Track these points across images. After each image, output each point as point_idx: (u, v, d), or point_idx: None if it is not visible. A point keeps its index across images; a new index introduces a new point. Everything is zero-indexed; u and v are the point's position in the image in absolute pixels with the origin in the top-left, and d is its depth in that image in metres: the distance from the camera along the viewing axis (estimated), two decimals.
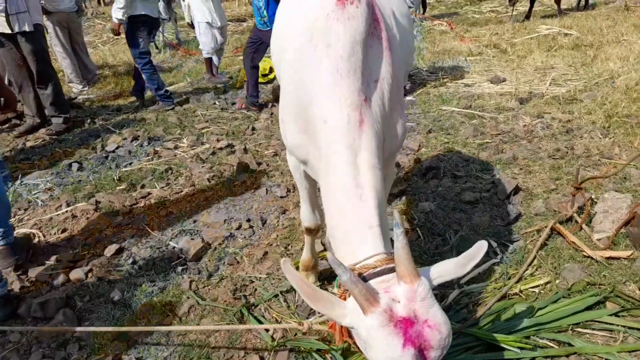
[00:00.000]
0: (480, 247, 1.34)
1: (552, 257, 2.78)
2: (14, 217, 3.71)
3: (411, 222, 3.23)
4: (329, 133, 1.49)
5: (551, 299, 2.41)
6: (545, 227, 2.96)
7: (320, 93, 1.53)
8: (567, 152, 4.02)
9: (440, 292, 2.58)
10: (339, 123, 1.47)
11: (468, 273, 2.41)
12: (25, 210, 3.81)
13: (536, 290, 2.55)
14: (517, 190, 3.50)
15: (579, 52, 7.13)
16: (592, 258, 2.70)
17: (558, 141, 4.27)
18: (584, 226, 2.96)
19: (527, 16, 10.09)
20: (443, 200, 3.48)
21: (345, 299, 1.35)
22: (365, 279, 1.29)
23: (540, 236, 2.91)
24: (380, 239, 1.37)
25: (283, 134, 1.90)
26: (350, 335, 1.36)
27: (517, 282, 2.59)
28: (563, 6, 10.07)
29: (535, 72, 6.50)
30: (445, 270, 1.32)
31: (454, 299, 2.50)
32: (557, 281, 2.59)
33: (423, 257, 2.88)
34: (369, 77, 1.54)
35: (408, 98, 5.83)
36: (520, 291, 2.54)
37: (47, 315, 2.60)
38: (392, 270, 1.30)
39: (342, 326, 1.35)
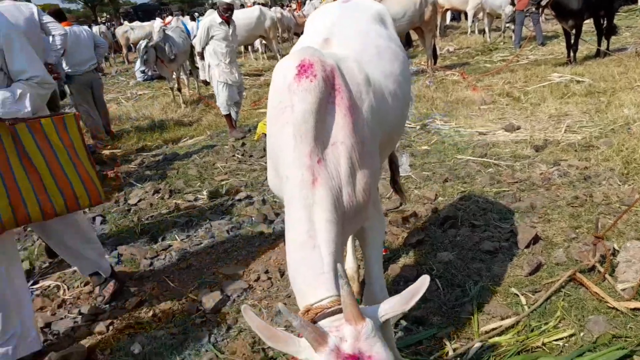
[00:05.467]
0: (423, 282, 1.47)
1: (575, 309, 2.73)
2: (39, 269, 3.80)
3: (429, 272, 3.22)
4: (289, 189, 1.70)
5: (576, 353, 2.36)
6: (567, 277, 2.93)
7: (284, 152, 1.75)
8: (586, 200, 4.00)
9: (461, 344, 2.54)
10: (295, 181, 1.67)
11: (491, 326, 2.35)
12: (50, 262, 3.89)
13: (560, 343, 2.50)
14: (536, 239, 3.47)
15: (592, 98, 7.17)
16: (616, 309, 2.65)
17: (576, 189, 4.25)
18: (607, 276, 2.91)
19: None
20: (462, 250, 3.47)
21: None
22: (319, 318, 1.47)
23: (561, 286, 2.87)
24: (333, 283, 1.55)
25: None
26: None
27: (540, 334, 2.55)
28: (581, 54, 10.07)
29: (550, 119, 6.54)
30: (391, 307, 1.48)
31: (475, 352, 2.46)
32: (582, 334, 2.53)
33: (442, 308, 2.86)
34: (325, 141, 1.74)
35: (423, 147, 5.90)
36: (544, 344, 2.49)
37: None
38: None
39: None
